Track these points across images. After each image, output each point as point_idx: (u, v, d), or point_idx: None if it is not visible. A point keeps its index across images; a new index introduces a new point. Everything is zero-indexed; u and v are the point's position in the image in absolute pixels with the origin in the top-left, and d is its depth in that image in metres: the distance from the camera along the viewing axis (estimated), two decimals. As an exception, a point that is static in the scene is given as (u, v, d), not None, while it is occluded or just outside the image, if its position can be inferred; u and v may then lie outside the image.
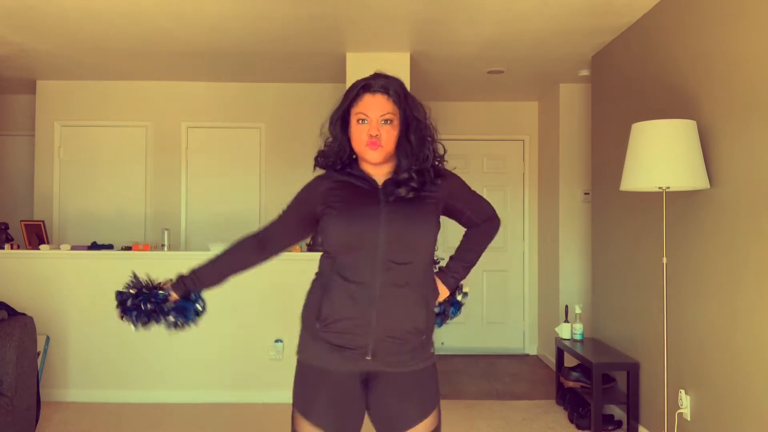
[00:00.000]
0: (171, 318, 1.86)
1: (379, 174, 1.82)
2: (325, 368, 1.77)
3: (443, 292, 1.93)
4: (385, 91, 1.74)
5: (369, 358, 1.74)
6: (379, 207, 1.75)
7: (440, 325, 1.96)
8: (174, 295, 1.86)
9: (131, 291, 1.85)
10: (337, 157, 1.81)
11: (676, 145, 2.92)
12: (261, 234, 1.91)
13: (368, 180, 1.81)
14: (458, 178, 1.90)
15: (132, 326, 1.84)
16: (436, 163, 1.83)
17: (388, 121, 1.74)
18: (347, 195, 1.78)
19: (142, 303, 1.83)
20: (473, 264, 1.98)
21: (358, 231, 1.73)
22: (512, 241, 6.36)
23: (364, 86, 1.76)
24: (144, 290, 1.85)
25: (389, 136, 1.74)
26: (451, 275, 1.95)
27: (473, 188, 1.95)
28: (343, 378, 1.77)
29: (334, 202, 1.78)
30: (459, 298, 1.99)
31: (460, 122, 6.27)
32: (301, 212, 1.87)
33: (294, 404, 1.83)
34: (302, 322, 1.85)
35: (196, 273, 1.88)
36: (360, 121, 1.74)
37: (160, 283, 1.88)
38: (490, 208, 1.99)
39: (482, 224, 1.97)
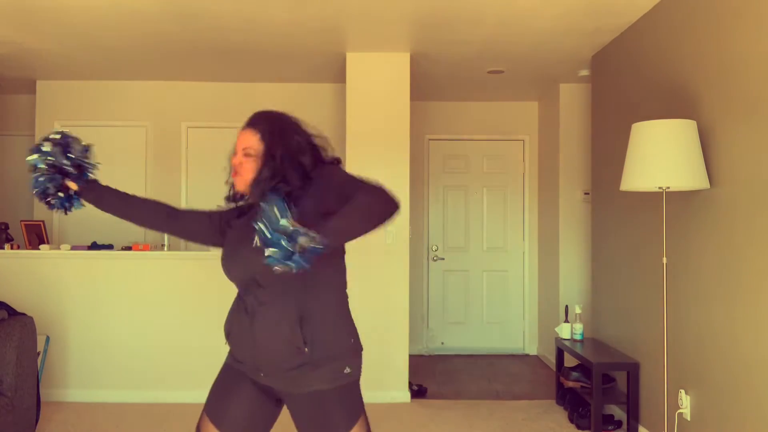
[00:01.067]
0: (60, 201, 1.92)
1: None
2: (240, 371, 1.84)
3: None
4: (250, 125, 1.79)
5: (262, 374, 1.77)
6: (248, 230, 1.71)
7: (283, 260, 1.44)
8: (73, 186, 1.91)
9: (53, 159, 1.86)
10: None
11: (676, 145, 2.92)
12: (180, 210, 1.96)
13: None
14: (328, 176, 1.71)
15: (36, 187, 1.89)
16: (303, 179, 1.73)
17: (248, 155, 1.76)
18: (234, 217, 1.91)
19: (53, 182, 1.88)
20: (340, 231, 1.51)
21: (226, 251, 1.83)
22: (512, 241, 6.36)
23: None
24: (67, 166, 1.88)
25: (247, 168, 1.76)
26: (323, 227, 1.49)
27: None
28: (254, 389, 1.82)
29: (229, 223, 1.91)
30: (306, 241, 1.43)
31: (460, 122, 6.25)
32: (220, 217, 1.94)
33: (205, 402, 1.88)
34: None
35: (108, 192, 1.93)
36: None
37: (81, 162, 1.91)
38: (373, 185, 1.59)
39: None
